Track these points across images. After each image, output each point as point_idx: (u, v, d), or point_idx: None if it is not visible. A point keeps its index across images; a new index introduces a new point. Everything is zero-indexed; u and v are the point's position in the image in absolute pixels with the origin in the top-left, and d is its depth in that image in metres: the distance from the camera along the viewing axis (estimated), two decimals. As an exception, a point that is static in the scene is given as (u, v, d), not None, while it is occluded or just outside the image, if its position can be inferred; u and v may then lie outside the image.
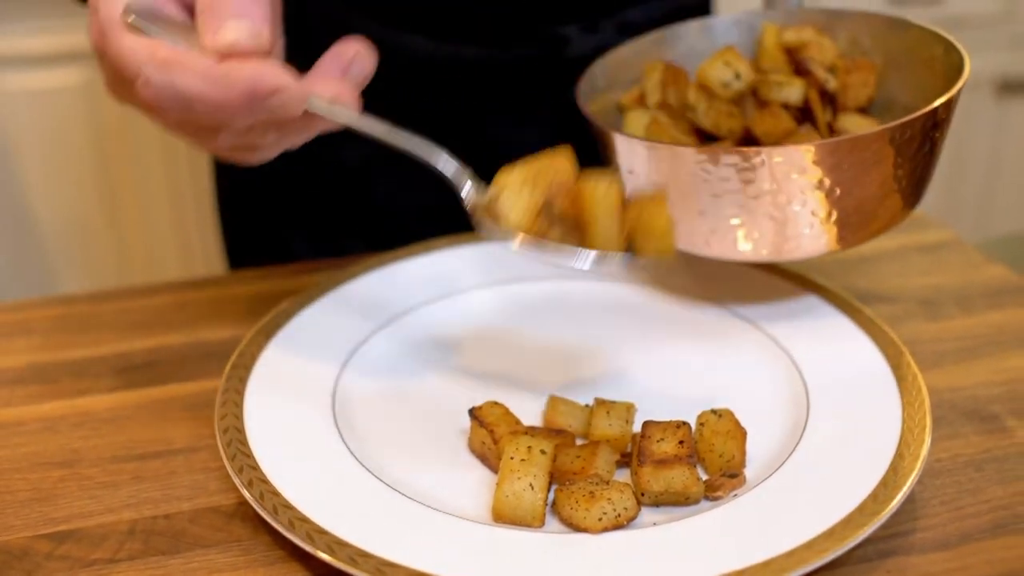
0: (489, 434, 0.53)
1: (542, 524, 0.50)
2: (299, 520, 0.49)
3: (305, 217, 0.92)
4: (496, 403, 0.56)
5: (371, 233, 0.90)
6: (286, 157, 0.85)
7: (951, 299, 0.73)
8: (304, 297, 0.68)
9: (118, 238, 1.74)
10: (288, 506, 0.50)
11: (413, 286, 0.70)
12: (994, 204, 2.05)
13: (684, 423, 0.53)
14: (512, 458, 0.51)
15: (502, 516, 0.50)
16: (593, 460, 0.52)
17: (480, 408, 0.55)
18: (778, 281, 0.70)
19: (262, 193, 0.93)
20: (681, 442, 0.52)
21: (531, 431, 0.54)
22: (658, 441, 0.52)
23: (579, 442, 0.56)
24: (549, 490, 0.51)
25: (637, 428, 0.55)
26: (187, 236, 1.76)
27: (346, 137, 0.85)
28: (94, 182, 1.69)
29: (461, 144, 0.85)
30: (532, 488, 0.50)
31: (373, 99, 0.84)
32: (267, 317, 0.66)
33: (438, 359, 0.65)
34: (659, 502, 0.52)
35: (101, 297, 0.74)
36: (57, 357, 0.67)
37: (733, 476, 0.54)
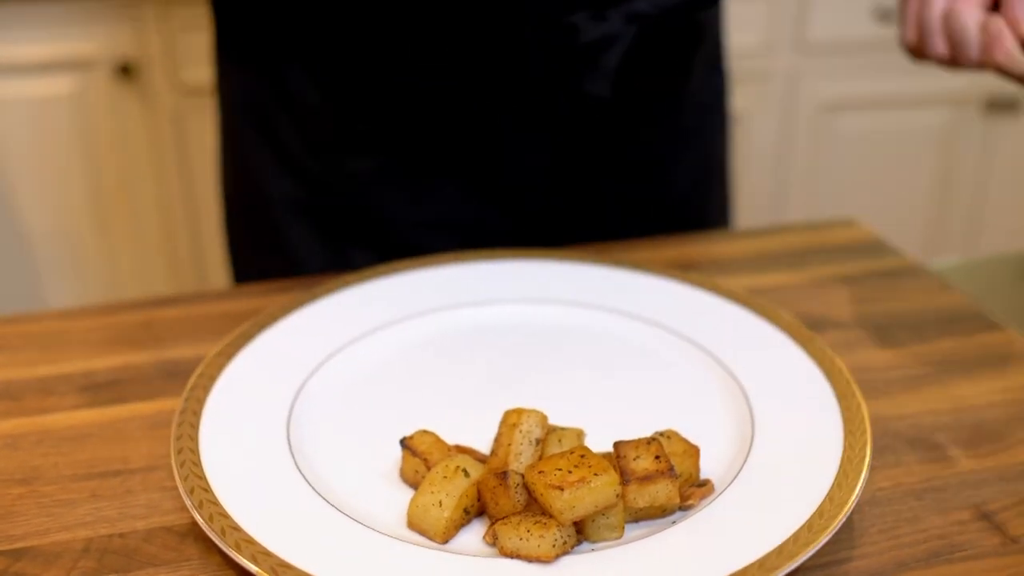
0: (423, 462, 0.55)
1: (444, 541, 0.52)
2: (246, 542, 0.50)
3: (313, 224, 0.93)
4: (427, 431, 0.57)
5: (379, 244, 0.92)
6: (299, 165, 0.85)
7: (904, 326, 0.74)
8: (265, 318, 0.69)
9: (107, 247, 1.76)
10: (236, 528, 0.51)
11: (373, 308, 0.72)
12: (982, 221, 2.07)
13: (654, 439, 0.55)
14: (437, 473, 0.53)
15: (412, 524, 0.53)
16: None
17: (411, 437, 0.56)
18: (730, 307, 0.72)
19: (270, 201, 0.94)
20: (657, 457, 0.53)
21: (464, 453, 0.56)
22: (635, 459, 0.53)
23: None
24: (472, 514, 0.53)
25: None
26: (176, 246, 1.77)
27: (356, 147, 0.87)
28: (84, 190, 1.70)
29: (476, 153, 0.87)
30: (440, 505, 0.52)
31: (388, 125, 0.86)
32: (228, 338, 0.67)
33: (393, 383, 0.66)
34: (639, 518, 0.53)
35: (70, 315, 0.75)
36: (24, 374, 0.69)
37: (701, 485, 0.56)
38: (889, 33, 1.79)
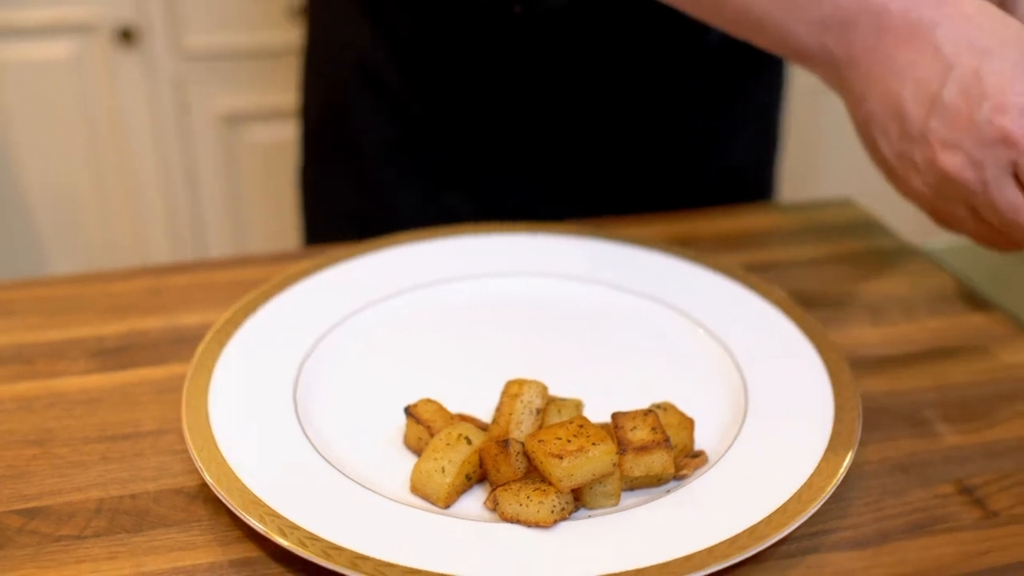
0: (426, 430, 0.57)
1: (446, 506, 0.54)
2: (253, 503, 0.52)
3: (407, 165, 0.95)
4: (430, 400, 0.59)
5: (472, 188, 0.95)
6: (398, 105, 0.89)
7: (896, 305, 0.76)
8: (272, 287, 0.71)
9: (106, 212, 1.77)
10: (244, 490, 0.53)
11: (379, 279, 0.73)
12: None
13: (650, 410, 0.56)
14: (440, 440, 0.55)
15: (415, 489, 0.55)
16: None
17: (415, 405, 0.58)
18: (727, 283, 0.73)
19: (363, 141, 0.95)
20: (653, 428, 0.55)
21: (467, 422, 0.58)
22: (632, 430, 0.55)
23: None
24: (474, 480, 0.55)
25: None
26: (175, 212, 1.78)
27: (458, 94, 0.90)
28: (83, 155, 1.71)
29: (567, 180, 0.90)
30: (442, 471, 0.54)
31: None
32: (237, 305, 0.68)
33: (397, 352, 0.68)
34: (634, 486, 0.55)
35: (80, 280, 0.77)
36: (36, 338, 0.70)
37: (696, 456, 0.58)
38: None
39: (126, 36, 1.63)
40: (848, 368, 0.64)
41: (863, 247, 0.84)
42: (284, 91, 1.71)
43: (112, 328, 0.71)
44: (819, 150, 1.97)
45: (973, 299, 0.77)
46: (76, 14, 1.62)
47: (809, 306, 0.74)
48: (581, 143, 0.92)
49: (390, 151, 0.94)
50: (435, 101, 0.91)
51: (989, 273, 0.84)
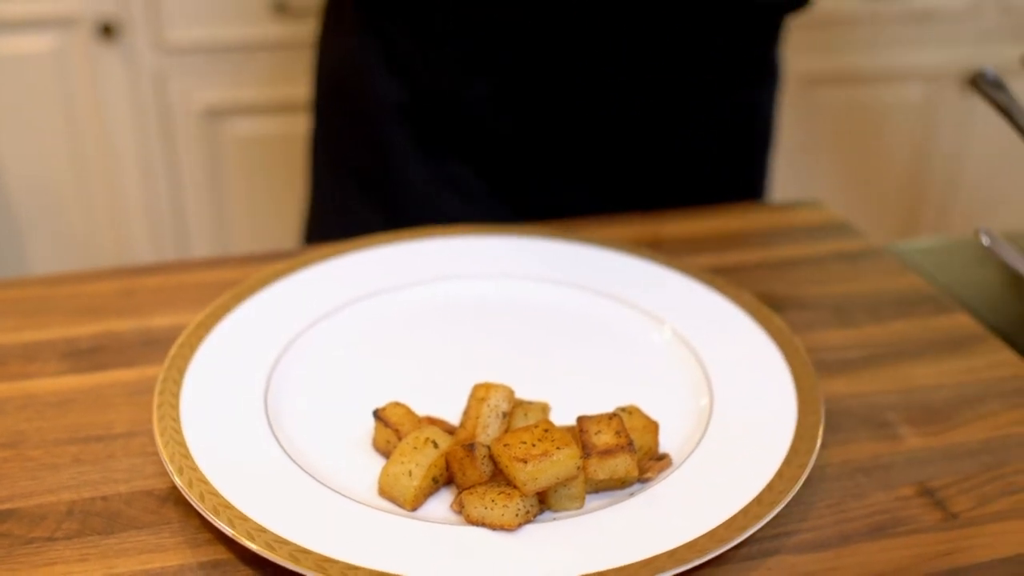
0: (395, 433, 0.57)
1: (413, 509, 0.55)
2: (223, 507, 0.53)
3: (416, 131, 0.96)
4: (399, 403, 0.60)
5: (480, 159, 0.97)
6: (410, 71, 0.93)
7: (862, 307, 0.77)
8: (244, 289, 0.71)
9: (87, 207, 1.76)
10: (214, 493, 0.54)
11: (349, 282, 0.74)
12: (958, 198, 2.10)
13: (615, 414, 0.57)
14: (407, 443, 0.56)
15: (383, 492, 0.56)
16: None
17: (384, 409, 0.59)
18: (694, 285, 0.74)
19: (374, 104, 0.97)
20: (618, 432, 0.56)
21: (434, 425, 0.59)
22: (596, 433, 0.56)
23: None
24: (441, 483, 0.56)
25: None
26: (156, 207, 1.78)
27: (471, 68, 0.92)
28: (64, 150, 1.71)
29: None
30: (410, 475, 0.55)
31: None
32: (209, 308, 0.69)
33: (366, 355, 0.68)
34: (599, 489, 0.56)
35: (53, 281, 0.77)
36: (8, 340, 0.70)
37: (660, 459, 0.58)
38: (870, 8, 1.81)
39: (107, 30, 1.62)
40: (812, 372, 0.65)
41: (831, 248, 0.85)
42: (267, 85, 1.71)
43: (84, 329, 0.72)
44: (799, 142, 1.99)
45: (939, 301, 0.78)
46: (57, 8, 1.61)
47: (777, 308, 0.75)
48: (585, 122, 0.94)
49: (399, 115, 0.96)
50: (442, 69, 0.93)
51: (956, 274, 0.85)
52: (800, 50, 1.88)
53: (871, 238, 0.87)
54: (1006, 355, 0.72)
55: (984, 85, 0.84)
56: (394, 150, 0.97)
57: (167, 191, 1.77)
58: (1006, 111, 0.81)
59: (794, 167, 2.00)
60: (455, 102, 0.93)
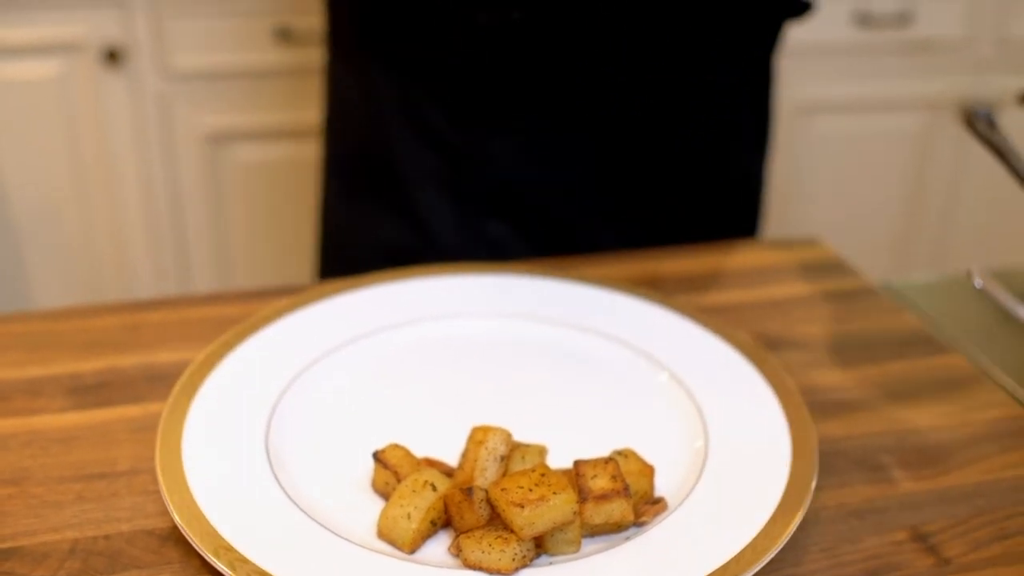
0: (393, 475, 0.58)
1: (411, 551, 0.55)
2: (223, 548, 0.53)
3: (449, 194, 0.98)
4: (398, 445, 0.60)
5: (516, 215, 0.99)
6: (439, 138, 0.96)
7: (858, 347, 0.78)
8: (247, 327, 0.72)
9: (90, 234, 1.77)
10: (214, 534, 0.54)
11: (349, 321, 0.75)
12: (955, 226, 2.11)
13: (611, 459, 0.58)
14: (406, 486, 0.57)
15: (382, 534, 0.56)
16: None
17: (383, 451, 0.60)
18: (690, 326, 0.75)
19: (404, 172, 0.98)
20: (613, 476, 0.57)
21: (433, 467, 0.60)
22: (592, 478, 0.57)
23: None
24: (439, 526, 0.57)
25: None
26: (159, 235, 1.79)
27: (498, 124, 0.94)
28: (68, 176, 1.72)
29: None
30: (408, 517, 0.55)
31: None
32: (212, 345, 0.70)
33: (367, 395, 0.69)
34: (595, 533, 0.57)
35: (58, 316, 0.78)
36: (12, 375, 0.71)
37: (655, 503, 0.59)
38: (866, 37, 1.83)
39: (112, 56, 1.64)
40: (807, 415, 0.65)
41: (828, 287, 0.86)
42: (270, 111, 1.72)
43: (89, 365, 0.72)
44: (796, 172, 2.00)
45: (933, 342, 0.79)
46: (62, 34, 1.63)
47: (773, 347, 0.76)
48: (589, 123, 0.96)
49: (432, 180, 0.97)
50: (471, 132, 0.94)
51: (952, 312, 0.86)
52: (795, 79, 1.90)
53: (866, 273, 0.88)
54: (1000, 396, 0.73)
55: (978, 124, 0.85)
56: (429, 217, 0.98)
57: (170, 216, 1.78)
58: (999, 151, 0.82)
59: (789, 194, 2.01)
60: (484, 161, 0.95)
